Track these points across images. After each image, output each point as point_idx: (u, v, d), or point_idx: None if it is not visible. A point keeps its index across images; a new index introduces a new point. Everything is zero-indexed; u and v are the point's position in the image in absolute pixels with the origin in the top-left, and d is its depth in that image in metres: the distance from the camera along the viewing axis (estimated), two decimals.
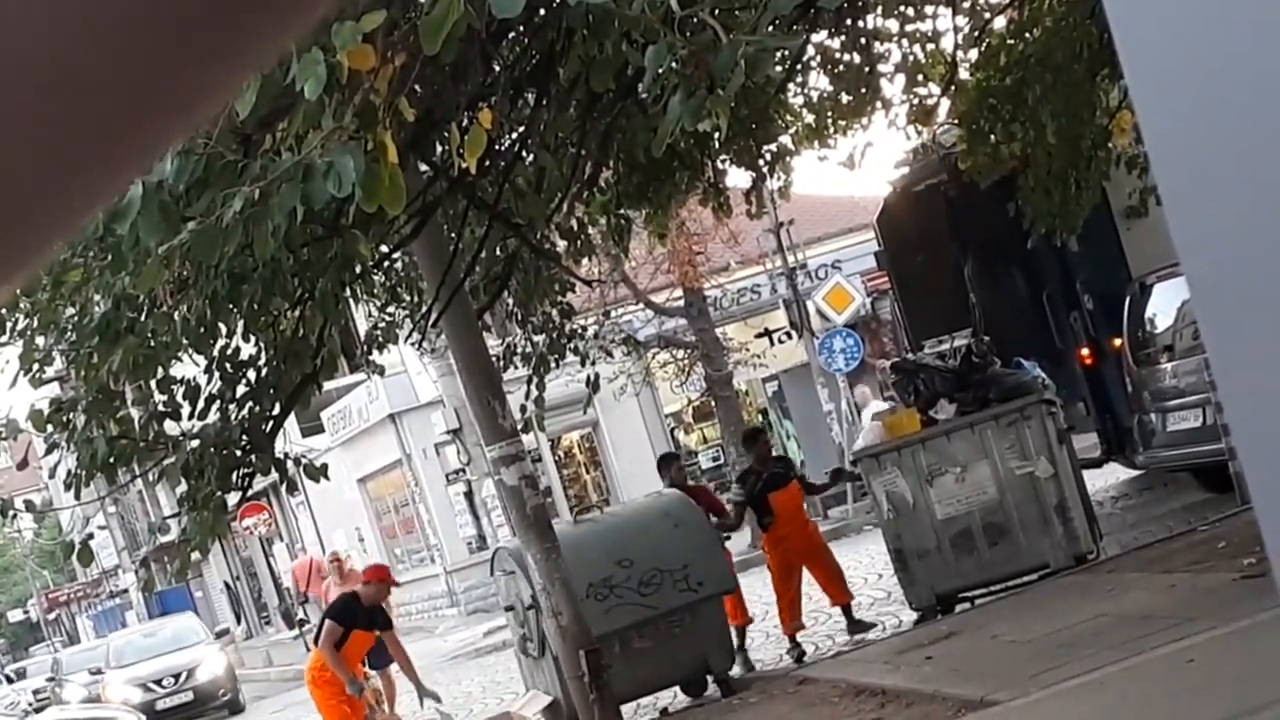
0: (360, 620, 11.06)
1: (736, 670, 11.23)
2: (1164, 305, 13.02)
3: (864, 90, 12.71)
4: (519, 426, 10.91)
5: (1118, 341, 13.77)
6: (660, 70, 5.93)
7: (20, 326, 9.09)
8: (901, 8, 12.44)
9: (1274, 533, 1.07)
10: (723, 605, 11.06)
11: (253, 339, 9.15)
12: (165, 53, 0.47)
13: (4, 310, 8.57)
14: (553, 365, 13.03)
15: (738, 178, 14.70)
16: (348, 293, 9.87)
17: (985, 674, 8.04)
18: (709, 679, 11.00)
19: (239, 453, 8.90)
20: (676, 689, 11.27)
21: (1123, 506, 15.56)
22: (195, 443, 8.80)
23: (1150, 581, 9.29)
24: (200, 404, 8.95)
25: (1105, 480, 16.20)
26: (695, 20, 5.91)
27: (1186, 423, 12.64)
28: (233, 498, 9.05)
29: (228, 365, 9.10)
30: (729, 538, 11.83)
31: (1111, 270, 14.13)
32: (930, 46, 12.74)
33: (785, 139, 13.40)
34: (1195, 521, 11.50)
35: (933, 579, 11.11)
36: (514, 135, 9.81)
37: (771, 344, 25.88)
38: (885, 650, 10.03)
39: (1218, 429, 11.44)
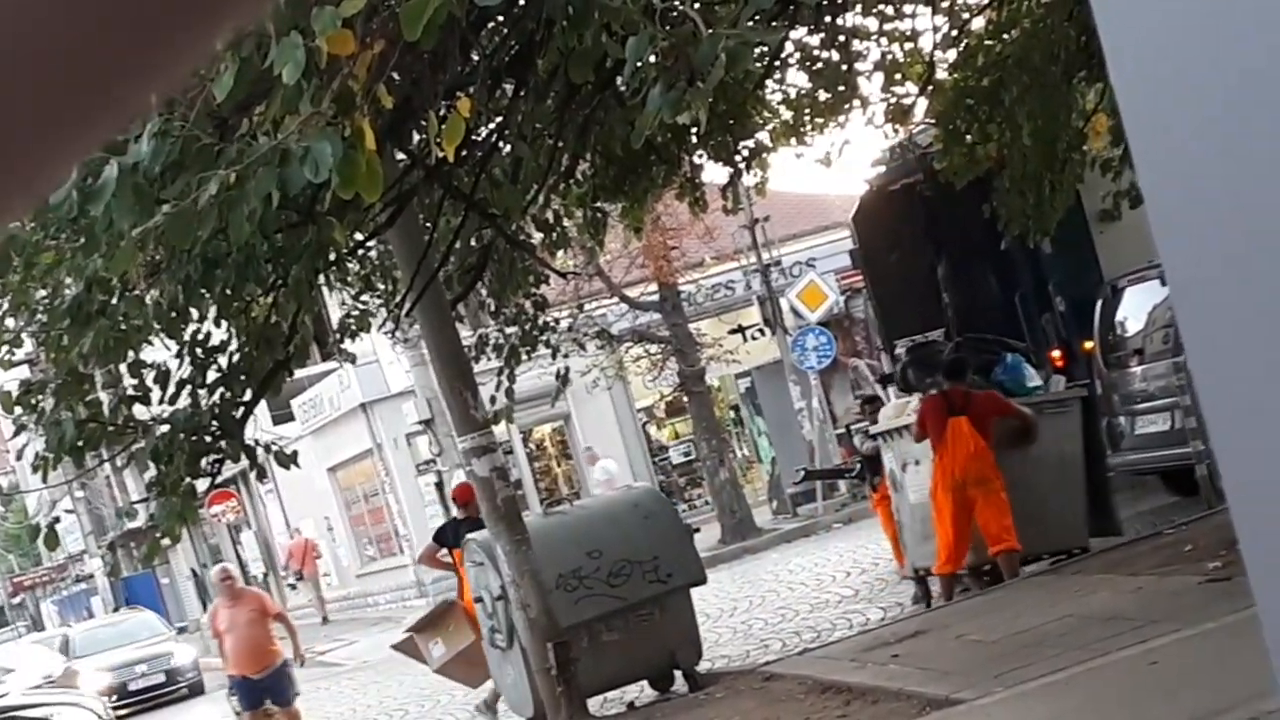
0: None
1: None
2: (1135, 309, 13.09)
3: (842, 88, 12.72)
4: (490, 418, 10.89)
5: (1089, 344, 13.83)
6: (640, 62, 5.93)
7: None
8: (880, 6, 12.45)
9: (1247, 531, 1.08)
10: (690, 599, 11.02)
11: (225, 324, 9.11)
12: (140, 10, 0.47)
13: None
14: (524, 357, 13.01)
15: (714, 173, 14.73)
16: (322, 280, 9.83)
17: (951, 672, 8.07)
18: (676, 673, 11.00)
19: (209, 438, 8.85)
20: (644, 683, 11.27)
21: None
22: (165, 428, 8.75)
23: (1116, 583, 9.34)
24: (171, 389, 8.89)
25: None
26: (676, 13, 5.91)
27: (1155, 426, 12.71)
28: (202, 484, 9.00)
29: (199, 350, 9.05)
30: (697, 530, 11.80)
31: (1084, 273, 14.21)
32: (909, 46, 12.75)
33: (762, 135, 13.41)
34: (1161, 525, 11.56)
35: (913, 554, 11.77)
36: (492, 125, 9.79)
37: (745, 340, 25.88)
38: (851, 648, 10.05)
39: (1185, 433, 11.50)
